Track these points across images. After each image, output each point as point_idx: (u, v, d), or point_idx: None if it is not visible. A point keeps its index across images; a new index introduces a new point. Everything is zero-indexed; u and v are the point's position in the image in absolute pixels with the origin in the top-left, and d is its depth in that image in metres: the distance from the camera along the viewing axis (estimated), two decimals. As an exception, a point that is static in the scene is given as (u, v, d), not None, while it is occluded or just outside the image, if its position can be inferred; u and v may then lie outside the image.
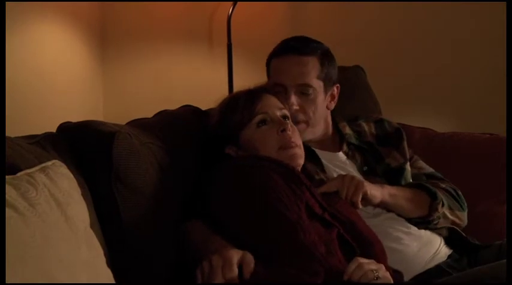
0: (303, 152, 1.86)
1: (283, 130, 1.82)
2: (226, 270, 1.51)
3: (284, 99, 1.99)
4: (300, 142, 1.86)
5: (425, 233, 1.98)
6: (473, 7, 3.07)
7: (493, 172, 2.31)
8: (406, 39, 3.14)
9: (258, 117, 1.85)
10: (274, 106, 1.87)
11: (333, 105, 2.14)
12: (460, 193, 2.10)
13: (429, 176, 2.14)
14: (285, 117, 1.87)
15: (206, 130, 1.95)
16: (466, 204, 2.09)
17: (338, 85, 2.14)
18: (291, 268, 1.53)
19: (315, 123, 2.07)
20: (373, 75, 2.65)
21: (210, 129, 1.93)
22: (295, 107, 2.02)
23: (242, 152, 1.86)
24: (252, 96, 1.88)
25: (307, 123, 2.05)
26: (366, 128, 2.19)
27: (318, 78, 2.06)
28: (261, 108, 1.86)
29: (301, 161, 1.84)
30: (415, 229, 1.97)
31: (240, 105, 1.87)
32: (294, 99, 2.02)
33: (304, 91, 2.04)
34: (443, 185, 2.08)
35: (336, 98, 2.14)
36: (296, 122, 1.99)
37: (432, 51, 3.13)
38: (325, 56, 2.09)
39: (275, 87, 2.03)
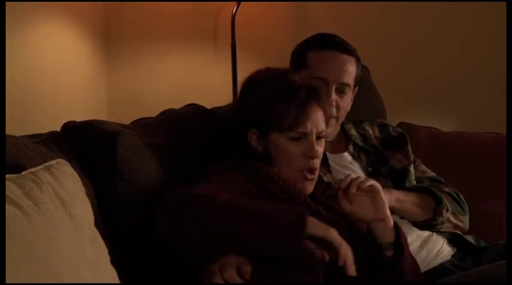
0: (318, 173, 1.82)
1: (311, 157, 1.76)
2: (224, 272, 1.50)
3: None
4: (318, 167, 1.81)
5: (428, 232, 1.99)
6: (478, 7, 3.06)
7: (498, 171, 2.30)
8: (411, 39, 3.14)
9: (296, 135, 1.76)
10: (315, 125, 1.77)
11: (349, 107, 2.14)
12: (461, 196, 2.10)
13: (432, 180, 2.15)
14: (320, 135, 1.79)
15: (242, 96, 1.86)
16: (467, 208, 2.09)
17: (357, 88, 2.15)
18: (291, 268, 1.53)
19: (341, 120, 2.12)
20: (377, 74, 2.65)
21: (248, 101, 1.83)
22: (334, 104, 2.04)
23: (261, 147, 1.80)
24: (308, 100, 1.77)
25: (337, 118, 2.08)
26: (370, 131, 2.20)
27: (353, 78, 2.09)
28: (305, 124, 1.75)
29: (312, 187, 1.80)
30: (409, 230, 1.98)
31: (292, 103, 1.76)
32: (334, 96, 2.04)
33: (342, 89, 2.06)
34: (447, 189, 2.08)
35: (353, 100, 2.15)
36: (329, 117, 1.99)
37: (437, 50, 3.12)
38: (359, 59, 2.12)
39: (314, 80, 1.99)
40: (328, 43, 2.09)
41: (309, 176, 1.77)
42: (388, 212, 1.73)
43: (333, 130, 2.10)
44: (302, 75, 1.87)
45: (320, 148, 1.79)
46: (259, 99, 1.80)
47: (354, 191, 1.69)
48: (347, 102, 2.09)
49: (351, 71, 2.07)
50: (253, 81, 1.86)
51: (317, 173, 1.80)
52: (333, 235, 1.55)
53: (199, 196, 1.55)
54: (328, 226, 1.57)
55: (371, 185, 1.71)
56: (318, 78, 2.02)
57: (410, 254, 1.75)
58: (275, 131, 1.77)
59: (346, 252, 1.55)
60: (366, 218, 1.72)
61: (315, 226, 1.54)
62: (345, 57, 2.07)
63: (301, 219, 1.51)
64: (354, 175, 1.73)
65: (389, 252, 1.71)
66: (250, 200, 1.60)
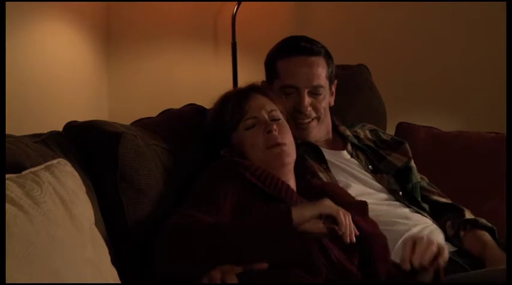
0: (293, 150, 1.84)
1: (269, 131, 1.81)
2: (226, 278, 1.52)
3: (297, 99, 2.04)
4: (289, 140, 1.84)
5: (433, 226, 2.00)
6: (478, 7, 3.06)
7: (499, 170, 2.30)
8: (411, 38, 3.14)
9: (247, 123, 1.83)
10: (262, 108, 1.85)
11: (333, 101, 2.17)
12: None
13: (428, 184, 2.18)
14: (273, 118, 1.85)
15: (203, 130, 1.96)
16: None
17: (336, 81, 2.17)
18: (292, 268, 1.54)
19: (324, 118, 2.13)
20: (378, 73, 2.65)
21: (206, 129, 1.95)
22: (309, 108, 2.07)
23: (235, 155, 1.85)
24: (241, 96, 1.87)
25: (318, 118, 2.10)
26: (362, 134, 2.23)
27: (326, 77, 2.10)
28: (249, 109, 1.84)
29: (288, 159, 1.82)
30: (418, 216, 2.00)
31: (229, 106, 1.86)
32: (307, 101, 2.06)
33: (316, 92, 2.08)
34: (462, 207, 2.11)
35: (334, 93, 2.17)
36: (309, 120, 2.06)
37: (437, 50, 3.12)
38: (328, 55, 2.13)
39: (286, 89, 2.06)
40: (294, 49, 2.11)
41: (274, 145, 1.79)
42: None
43: (319, 129, 2.13)
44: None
45: (277, 127, 1.82)
46: (208, 122, 1.93)
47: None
48: (325, 101, 2.11)
49: (320, 72, 2.09)
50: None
51: (289, 148, 1.81)
52: (325, 206, 1.58)
53: (190, 226, 1.57)
54: (315, 202, 1.60)
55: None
56: (289, 86, 2.06)
57: None
58: (232, 132, 1.85)
59: (345, 218, 1.56)
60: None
61: (302, 213, 1.56)
62: (312, 59, 2.09)
63: (286, 213, 1.54)
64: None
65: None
66: (235, 220, 1.63)
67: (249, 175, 1.73)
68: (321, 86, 2.08)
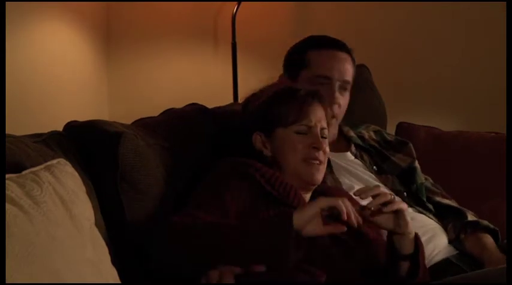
0: (324, 170, 1.83)
1: (316, 148, 1.79)
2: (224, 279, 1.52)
3: (328, 91, 2.00)
4: (326, 159, 1.83)
5: (438, 228, 2.00)
6: (478, 7, 3.06)
7: (499, 170, 2.30)
8: (411, 38, 3.14)
9: (301, 128, 1.80)
10: (319, 122, 1.82)
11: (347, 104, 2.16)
12: None
13: (433, 185, 2.18)
14: (323, 135, 1.82)
15: (244, 107, 1.92)
16: None
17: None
18: (294, 268, 1.54)
19: (340, 118, 2.13)
20: (377, 74, 2.65)
21: (251, 108, 1.89)
22: (338, 101, 2.06)
23: (268, 148, 1.82)
24: (307, 100, 1.83)
25: (337, 116, 2.09)
26: (366, 135, 2.23)
27: (352, 77, 2.12)
28: (309, 116, 1.80)
29: (320, 176, 1.81)
30: (422, 217, 2.00)
31: (293, 100, 1.82)
32: (338, 94, 2.06)
33: (345, 87, 2.09)
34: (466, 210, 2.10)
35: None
36: (331, 116, 2.01)
37: (437, 50, 3.13)
38: (353, 57, 2.14)
39: (318, 79, 2.05)
40: (327, 42, 2.12)
41: (314, 162, 1.78)
42: (410, 229, 1.65)
43: (333, 129, 2.11)
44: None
45: (324, 146, 1.80)
46: (261, 102, 1.86)
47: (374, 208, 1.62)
48: (347, 99, 2.12)
49: (350, 69, 2.11)
50: (256, 92, 1.93)
51: (323, 167, 1.81)
52: (322, 200, 1.54)
53: (189, 226, 1.57)
54: (311, 202, 1.58)
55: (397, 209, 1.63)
56: (321, 77, 2.05)
57: (424, 270, 1.70)
58: (280, 127, 1.81)
59: (345, 206, 1.53)
60: (385, 227, 1.66)
61: (302, 215, 1.52)
62: (344, 55, 2.11)
63: (286, 218, 1.51)
64: (383, 189, 1.67)
65: (405, 264, 1.66)
66: (239, 222, 1.61)
67: (259, 176, 1.72)
68: (349, 82, 2.09)
